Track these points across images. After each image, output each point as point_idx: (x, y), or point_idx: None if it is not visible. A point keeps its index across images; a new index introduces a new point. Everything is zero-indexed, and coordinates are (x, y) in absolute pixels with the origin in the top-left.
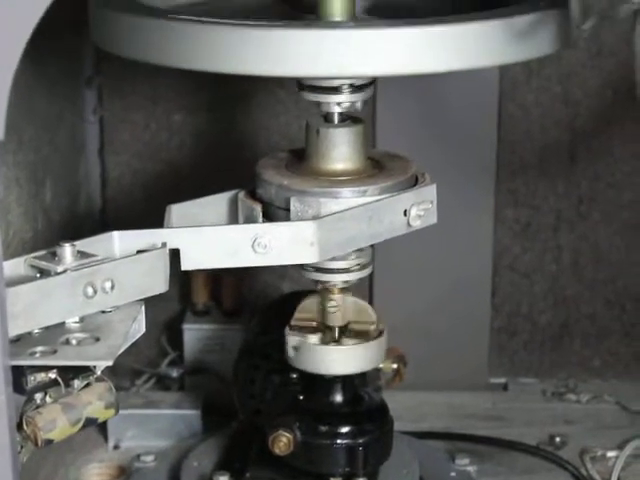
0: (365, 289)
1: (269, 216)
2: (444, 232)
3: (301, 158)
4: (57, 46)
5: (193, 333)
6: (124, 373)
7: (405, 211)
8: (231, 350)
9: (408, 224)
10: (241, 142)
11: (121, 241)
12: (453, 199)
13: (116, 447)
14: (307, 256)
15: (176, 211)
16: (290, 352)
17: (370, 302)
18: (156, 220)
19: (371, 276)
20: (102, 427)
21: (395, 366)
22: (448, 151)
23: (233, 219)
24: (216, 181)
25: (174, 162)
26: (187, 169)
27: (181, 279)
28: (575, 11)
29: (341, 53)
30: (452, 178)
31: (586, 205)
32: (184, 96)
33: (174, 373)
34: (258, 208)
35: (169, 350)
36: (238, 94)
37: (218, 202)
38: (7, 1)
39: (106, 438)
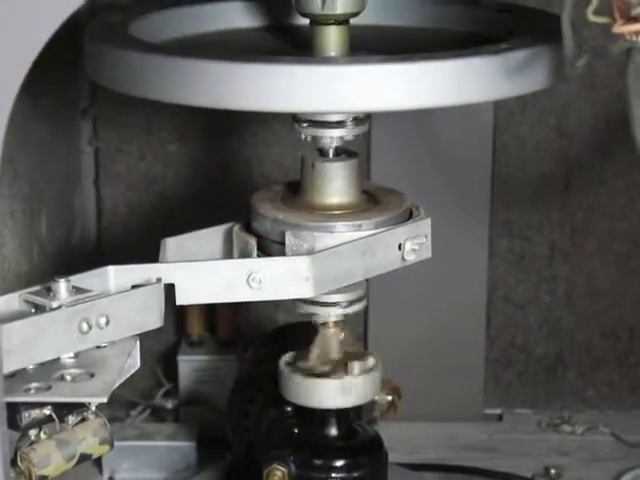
0: (360, 320)
1: (264, 250)
2: (438, 263)
3: (296, 191)
4: (53, 77)
5: (188, 364)
6: (119, 404)
7: (400, 245)
8: (226, 381)
9: (402, 258)
10: (236, 173)
11: (116, 276)
12: (447, 229)
13: (111, 479)
14: (302, 291)
15: (171, 245)
16: (283, 385)
17: (365, 333)
18: (152, 251)
19: (366, 307)
20: (97, 459)
21: (390, 398)
22: (443, 182)
23: (228, 252)
24: (211, 212)
25: (169, 193)
26: (182, 200)
27: (176, 310)
28: (568, 49)
29: (335, 89)
30: (446, 209)
31: (580, 236)
32: (179, 127)
33: (169, 404)
34: (253, 242)
35: (164, 381)
36: (233, 125)
37: (213, 235)
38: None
39: (101, 470)
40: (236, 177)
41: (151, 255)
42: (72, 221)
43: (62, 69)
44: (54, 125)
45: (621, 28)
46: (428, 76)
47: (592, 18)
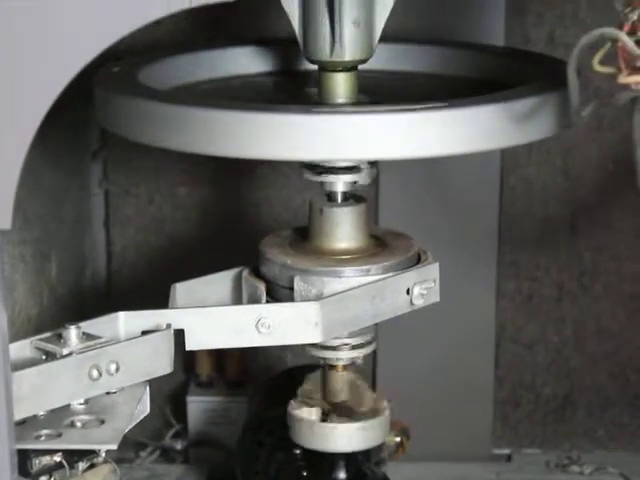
0: (369, 361)
1: (273, 294)
2: (447, 304)
3: (305, 236)
4: (63, 121)
5: (197, 405)
6: (128, 445)
7: (408, 290)
8: (235, 422)
9: (411, 303)
10: (245, 215)
11: (126, 322)
12: (455, 271)
13: None
14: (311, 336)
15: (181, 290)
16: (293, 428)
17: (373, 373)
18: (161, 293)
19: (374, 349)
20: None
21: (398, 439)
22: (450, 224)
23: (237, 297)
24: (220, 254)
25: (178, 235)
26: (191, 242)
27: (185, 351)
28: (574, 99)
29: (342, 138)
30: (454, 250)
31: (588, 277)
32: (188, 170)
33: (178, 445)
34: (262, 287)
35: (173, 422)
36: (241, 168)
37: (222, 280)
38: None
39: None
40: (245, 220)
41: (161, 297)
42: (82, 263)
43: (72, 113)
44: (64, 169)
45: (626, 79)
46: (435, 126)
47: (598, 68)
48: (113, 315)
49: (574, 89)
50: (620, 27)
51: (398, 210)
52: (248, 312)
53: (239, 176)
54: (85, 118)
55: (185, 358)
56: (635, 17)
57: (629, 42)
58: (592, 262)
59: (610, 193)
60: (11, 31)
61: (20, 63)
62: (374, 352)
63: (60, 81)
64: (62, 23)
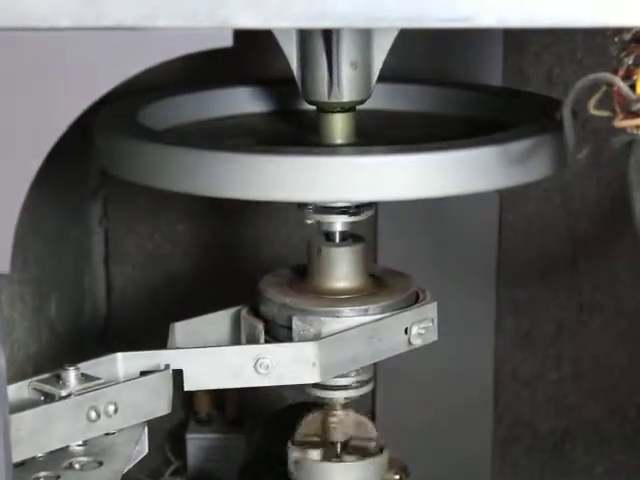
0: (368, 397)
1: (271, 333)
2: (445, 341)
3: (303, 275)
4: (62, 160)
5: (196, 442)
6: None
7: (406, 329)
8: (235, 459)
9: (409, 342)
10: (244, 252)
11: (124, 362)
12: (454, 308)
13: None
14: (309, 376)
15: (180, 329)
16: (292, 467)
17: (372, 413)
18: (161, 330)
19: (373, 390)
20: None
21: (397, 477)
22: (449, 260)
23: (236, 336)
24: (220, 290)
25: (178, 272)
26: (191, 279)
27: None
28: (569, 142)
29: (342, 181)
30: (453, 287)
31: (587, 314)
32: (187, 207)
33: None
34: (260, 326)
35: (172, 459)
36: (240, 205)
37: (221, 319)
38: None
39: None
40: (244, 256)
41: (161, 334)
42: (82, 301)
43: (72, 152)
44: (64, 208)
45: (622, 122)
46: (432, 167)
47: (594, 111)
48: (111, 356)
49: (570, 133)
50: (615, 71)
51: (397, 247)
52: (246, 352)
53: (238, 213)
54: (85, 157)
55: (184, 395)
56: (630, 61)
57: (624, 86)
58: (591, 298)
59: (609, 230)
60: (11, 75)
61: (20, 107)
62: (373, 389)
63: (59, 126)
64: (63, 68)
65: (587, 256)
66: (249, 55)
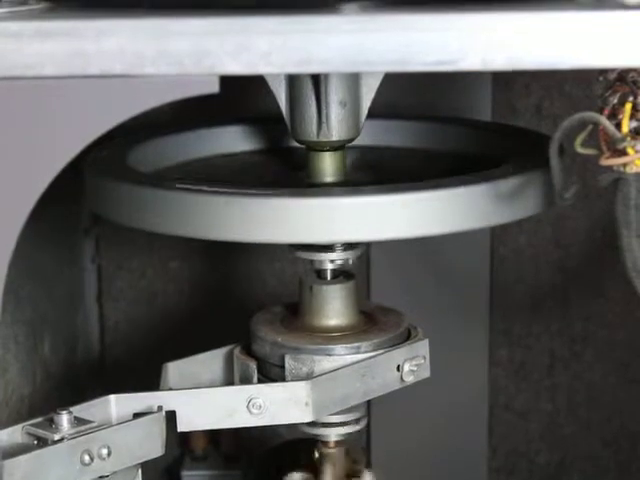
0: (362, 432)
1: (264, 372)
2: (439, 373)
3: (295, 313)
4: (54, 200)
5: (192, 479)
6: None
7: (398, 367)
8: None
9: (401, 379)
10: (237, 288)
11: (117, 405)
12: (447, 340)
13: None
14: (301, 416)
15: (172, 369)
16: None
17: (368, 446)
18: (154, 367)
19: (368, 423)
20: None
21: None
22: (442, 292)
23: (229, 375)
24: (213, 326)
25: (171, 309)
26: (184, 315)
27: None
28: (556, 181)
29: (332, 221)
30: (446, 319)
31: (580, 345)
32: (180, 244)
33: None
34: (253, 365)
35: None
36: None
37: (214, 358)
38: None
39: None
40: (237, 292)
41: (154, 370)
42: (75, 340)
43: (63, 191)
44: (56, 247)
45: (608, 161)
46: (421, 207)
47: (580, 150)
48: (104, 398)
49: (557, 172)
50: (601, 110)
51: (390, 281)
52: (239, 393)
53: (231, 249)
54: (76, 196)
55: (179, 432)
56: (615, 100)
57: (609, 126)
58: (583, 330)
59: (600, 261)
60: (5, 118)
61: (10, 154)
62: (368, 424)
63: (49, 173)
64: (50, 116)
65: (579, 287)
66: (237, 94)
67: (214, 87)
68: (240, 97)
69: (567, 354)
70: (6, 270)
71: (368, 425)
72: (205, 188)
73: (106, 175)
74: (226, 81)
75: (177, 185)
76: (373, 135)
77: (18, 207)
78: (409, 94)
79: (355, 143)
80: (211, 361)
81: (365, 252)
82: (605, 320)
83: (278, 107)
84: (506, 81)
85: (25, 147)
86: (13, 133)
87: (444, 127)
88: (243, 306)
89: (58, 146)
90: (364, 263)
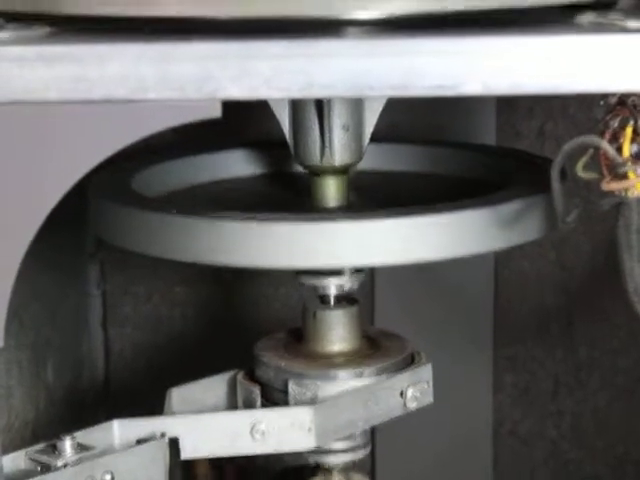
0: (367, 461)
1: (268, 397)
2: (443, 399)
3: (299, 338)
4: (59, 224)
5: None
6: None
7: (401, 392)
8: None
9: (404, 405)
10: (243, 313)
11: (120, 430)
12: (451, 366)
13: None
14: (304, 442)
15: (176, 394)
16: None
17: (372, 473)
18: (159, 392)
19: (372, 449)
20: None
21: None
22: (445, 318)
23: (233, 400)
24: (219, 351)
25: (176, 334)
26: (189, 341)
27: (183, 468)
28: (558, 205)
29: (335, 246)
30: (450, 344)
31: (584, 370)
32: (185, 269)
33: None
34: (257, 390)
35: None
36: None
37: (218, 383)
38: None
39: None
40: (243, 317)
41: (159, 396)
42: (79, 365)
43: (68, 216)
44: (61, 272)
45: (609, 185)
46: (424, 232)
47: (582, 174)
48: (107, 424)
49: (558, 196)
50: (602, 134)
51: (394, 306)
52: (242, 418)
53: (236, 274)
54: (81, 220)
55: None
56: (616, 124)
57: (610, 150)
58: (588, 355)
59: (603, 285)
60: (2, 147)
61: (12, 178)
62: (372, 449)
63: (52, 197)
64: (53, 140)
65: (583, 312)
66: (240, 118)
67: (216, 112)
68: (244, 122)
69: (572, 380)
70: (9, 294)
71: (372, 451)
72: (210, 213)
73: (110, 199)
74: (230, 106)
75: (180, 210)
76: (376, 159)
77: (22, 230)
78: (412, 118)
79: (358, 167)
80: (215, 386)
81: (369, 277)
82: (610, 346)
83: (281, 132)
84: (509, 104)
85: (29, 171)
86: (17, 157)
87: (447, 151)
88: (248, 331)
89: (61, 170)
90: (368, 288)
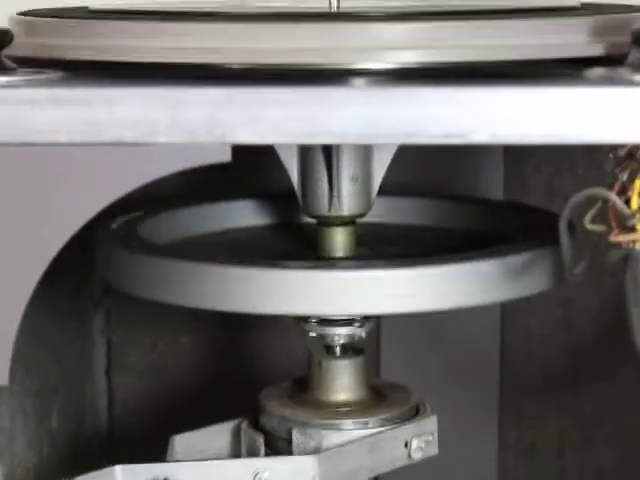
0: None
1: (272, 446)
2: (447, 451)
3: (304, 387)
4: (64, 271)
5: None
6: None
7: (406, 443)
8: None
9: (409, 456)
10: (246, 364)
11: (123, 475)
12: (456, 419)
13: None
14: None
15: (179, 442)
16: None
17: None
18: (162, 441)
19: None
20: None
21: None
22: (451, 374)
23: (236, 448)
24: (222, 402)
25: (180, 384)
26: (193, 390)
27: None
28: (566, 257)
29: (342, 294)
30: (456, 400)
31: (590, 427)
32: (190, 318)
33: None
34: (260, 439)
35: None
36: (243, 317)
37: (221, 431)
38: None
39: None
40: (246, 368)
41: (162, 445)
42: (83, 412)
43: (74, 262)
44: (66, 318)
45: (617, 237)
46: (431, 281)
47: (589, 226)
48: (110, 469)
49: (566, 248)
50: (610, 187)
51: (399, 360)
52: (245, 466)
53: (241, 325)
54: (87, 267)
55: None
56: (624, 177)
57: (619, 202)
58: (594, 412)
59: (610, 343)
60: (10, 189)
61: (19, 220)
62: None
63: (59, 240)
64: (62, 182)
65: (589, 369)
66: (248, 168)
67: (226, 156)
68: (252, 173)
69: (577, 437)
70: (14, 338)
71: None
72: (217, 259)
73: (118, 245)
74: (239, 156)
75: (190, 256)
76: (384, 212)
77: (28, 273)
78: (420, 172)
79: (366, 219)
80: (218, 434)
81: (375, 328)
82: (615, 402)
83: (289, 182)
84: (518, 161)
85: (37, 212)
86: (26, 198)
87: (453, 204)
88: (252, 382)
89: (69, 212)
90: (374, 339)
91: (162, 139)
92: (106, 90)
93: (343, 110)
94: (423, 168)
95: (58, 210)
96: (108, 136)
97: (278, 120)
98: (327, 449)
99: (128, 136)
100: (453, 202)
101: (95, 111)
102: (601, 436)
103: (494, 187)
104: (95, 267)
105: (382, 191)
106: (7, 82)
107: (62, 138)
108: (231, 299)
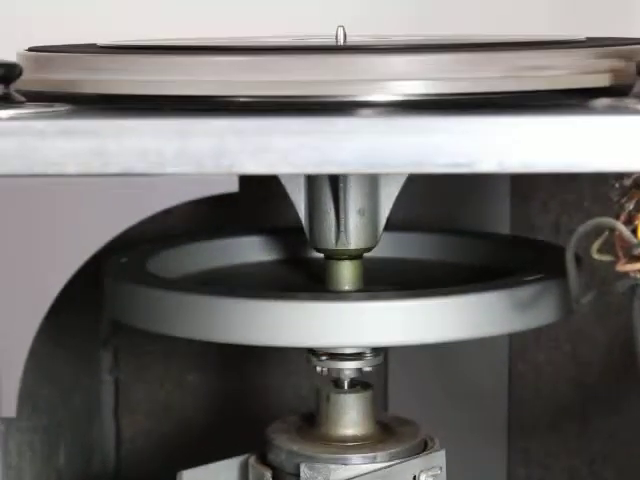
0: None
1: None
2: None
3: (311, 422)
4: (73, 309)
5: None
6: None
7: (414, 477)
8: None
9: None
10: (253, 401)
11: None
12: (464, 456)
13: None
14: None
15: (187, 477)
16: None
17: None
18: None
19: None
20: None
21: None
22: (459, 410)
23: None
24: (229, 440)
25: (188, 421)
26: (200, 428)
27: None
28: (573, 287)
29: (349, 326)
30: (464, 436)
31: (599, 463)
32: (197, 355)
33: None
34: (268, 474)
35: None
36: (250, 353)
37: (229, 467)
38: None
39: None
40: (253, 405)
41: None
42: (91, 450)
43: (82, 301)
44: (74, 357)
45: (625, 267)
46: (439, 312)
47: (596, 256)
48: None
49: (573, 278)
50: (617, 216)
51: (407, 395)
52: None
53: (247, 362)
54: (95, 306)
55: None
56: (631, 207)
57: (625, 231)
58: (603, 448)
59: (618, 378)
60: (18, 220)
61: (26, 252)
62: None
63: (67, 271)
64: (70, 213)
65: (598, 406)
66: (256, 203)
67: (234, 187)
68: (259, 209)
69: (586, 473)
70: (21, 373)
71: None
72: (227, 291)
73: (126, 280)
74: (246, 192)
75: (200, 289)
76: (391, 247)
77: (35, 306)
78: (427, 207)
79: (373, 254)
80: (226, 470)
81: (383, 363)
82: (624, 438)
83: (297, 217)
84: (524, 198)
85: (45, 244)
86: (33, 230)
87: (460, 239)
88: (258, 419)
89: (78, 243)
90: (382, 374)
91: (170, 170)
92: (114, 121)
93: (350, 140)
94: (430, 203)
95: (67, 241)
96: (116, 167)
97: (285, 150)
98: None
99: (136, 167)
100: (459, 237)
101: (103, 142)
102: (610, 472)
103: (500, 226)
104: (103, 305)
105: (389, 227)
106: (16, 114)
107: (70, 169)
108: (242, 332)
